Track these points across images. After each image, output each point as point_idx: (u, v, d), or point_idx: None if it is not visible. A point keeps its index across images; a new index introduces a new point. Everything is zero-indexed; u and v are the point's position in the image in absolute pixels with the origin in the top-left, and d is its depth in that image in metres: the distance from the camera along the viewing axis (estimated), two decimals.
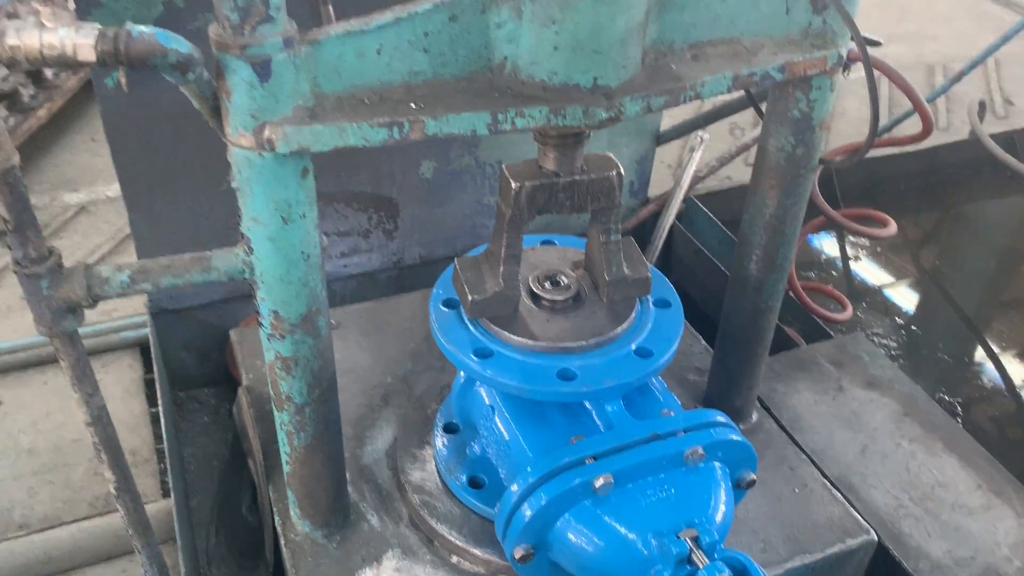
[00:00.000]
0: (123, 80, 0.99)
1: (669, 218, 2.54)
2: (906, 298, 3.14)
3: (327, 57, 1.08)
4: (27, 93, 3.60)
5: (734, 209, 2.80)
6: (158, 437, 2.40)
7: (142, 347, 2.70)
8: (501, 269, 1.38)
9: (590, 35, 1.11)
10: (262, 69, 1.02)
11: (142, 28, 0.96)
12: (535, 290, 1.45)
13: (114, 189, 3.54)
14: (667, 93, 1.19)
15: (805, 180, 1.50)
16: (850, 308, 2.36)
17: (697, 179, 2.62)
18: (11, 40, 0.93)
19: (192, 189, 2.06)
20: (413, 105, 1.12)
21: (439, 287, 1.52)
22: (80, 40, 0.95)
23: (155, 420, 2.48)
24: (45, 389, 2.60)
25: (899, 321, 3.01)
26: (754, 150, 1.60)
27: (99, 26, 0.96)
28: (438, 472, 1.64)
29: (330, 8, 1.73)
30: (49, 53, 0.95)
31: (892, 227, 2.09)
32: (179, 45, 0.98)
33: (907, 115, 2.85)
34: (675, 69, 1.23)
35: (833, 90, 1.41)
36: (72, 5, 0.95)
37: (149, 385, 2.61)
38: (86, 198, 3.55)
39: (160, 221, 2.07)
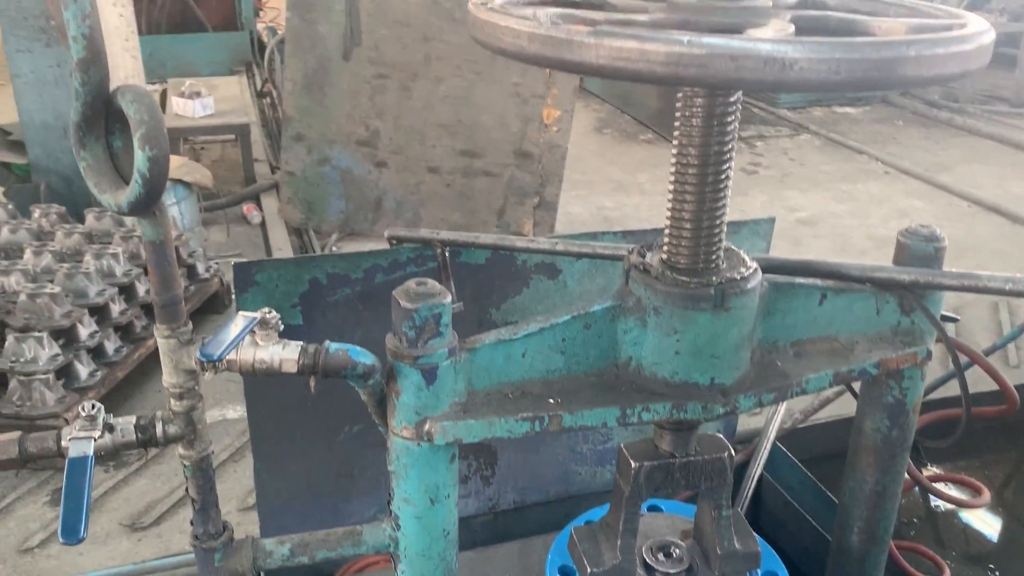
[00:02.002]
0: (312, 385, 1.17)
1: (757, 469, 2.60)
2: (1002, 551, 3.06)
3: (481, 360, 1.25)
4: (140, 324, 3.92)
5: (824, 444, 2.84)
6: None
7: None
8: (618, 542, 1.46)
9: (707, 343, 1.27)
10: (429, 375, 1.19)
11: (338, 345, 1.15)
12: (649, 561, 1.53)
13: (211, 415, 3.75)
14: (776, 390, 1.33)
15: (901, 459, 1.59)
16: (947, 572, 2.33)
17: (783, 430, 2.70)
18: (230, 355, 1.13)
19: (312, 442, 2.22)
20: (551, 400, 1.28)
21: (555, 552, 1.60)
22: (286, 355, 1.14)
23: None
24: None
25: None
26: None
27: (301, 343, 1.15)
28: None
29: (451, 283, 1.95)
30: (259, 366, 1.13)
31: (985, 496, 2.12)
32: (366, 359, 1.16)
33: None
34: (781, 366, 1.38)
35: (924, 379, 1.54)
36: (281, 327, 1.14)
37: None
38: None
39: (282, 469, 2.21)
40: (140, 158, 0.98)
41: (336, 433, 2.18)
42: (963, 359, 1.55)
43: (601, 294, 2.11)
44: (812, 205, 6.28)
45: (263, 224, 5.62)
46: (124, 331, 3.79)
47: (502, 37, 1.03)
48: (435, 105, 5.24)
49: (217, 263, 4.70)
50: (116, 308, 3.72)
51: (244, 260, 1.77)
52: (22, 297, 3.39)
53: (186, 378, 1.15)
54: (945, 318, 1.64)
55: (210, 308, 4.45)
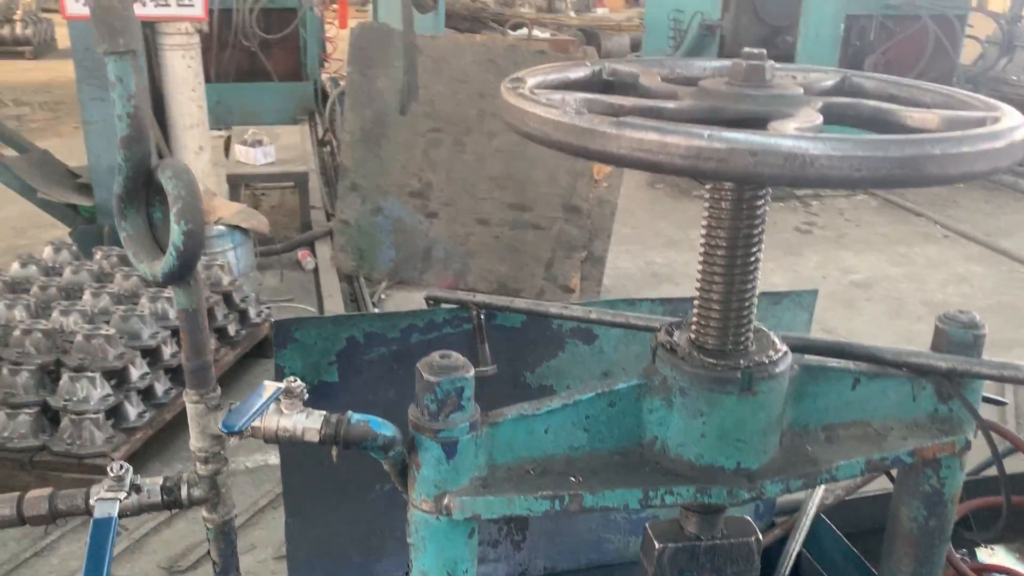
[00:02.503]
0: (334, 455, 1.18)
1: (795, 546, 2.53)
2: None
3: (502, 435, 1.25)
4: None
5: (872, 519, 2.74)
6: None
7: None
8: None
9: (734, 427, 1.25)
10: (449, 449, 1.20)
11: (359, 416, 1.17)
12: None
13: (253, 460, 3.78)
14: (804, 476, 1.30)
15: (939, 550, 1.53)
16: None
17: (825, 505, 2.62)
18: (255, 423, 1.15)
19: (344, 499, 2.23)
20: (573, 478, 1.27)
21: None
22: (308, 425, 1.15)
23: None
24: None
25: None
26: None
27: (324, 413, 1.17)
28: None
29: (486, 346, 1.96)
30: (283, 434, 1.15)
31: None
32: (386, 431, 1.18)
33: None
34: (810, 451, 1.35)
35: (963, 468, 1.49)
36: (306, 396, 1.16)
37: None
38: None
39: (312, 525, 2.23)
40: (176, 232, 1.01)
41: (367, 491, 2.19)
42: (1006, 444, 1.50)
43: (637, 361, 2.10)
44: (867, 267, 6.16)
45: (316, 270, 5.72)
46: (174, 373, 3.88)
47: (528, 122, 1.05)
48: (487, 159, 5.31)
49: (269, 308, 4.80)
50: (167, 351, 3.81)
51: (284, 319, 1.81)
52: (78, 337, 3.50)
53: (212, 443, 1.18)
54: (990, 400, 1.60)
55: (260, 352, 4.53)
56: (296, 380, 1.14)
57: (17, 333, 3.52)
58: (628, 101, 1.11)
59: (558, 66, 1.27)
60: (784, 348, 1.29)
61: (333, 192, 7.22)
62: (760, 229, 1.22)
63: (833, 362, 1.38)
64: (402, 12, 5.32)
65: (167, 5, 4.64)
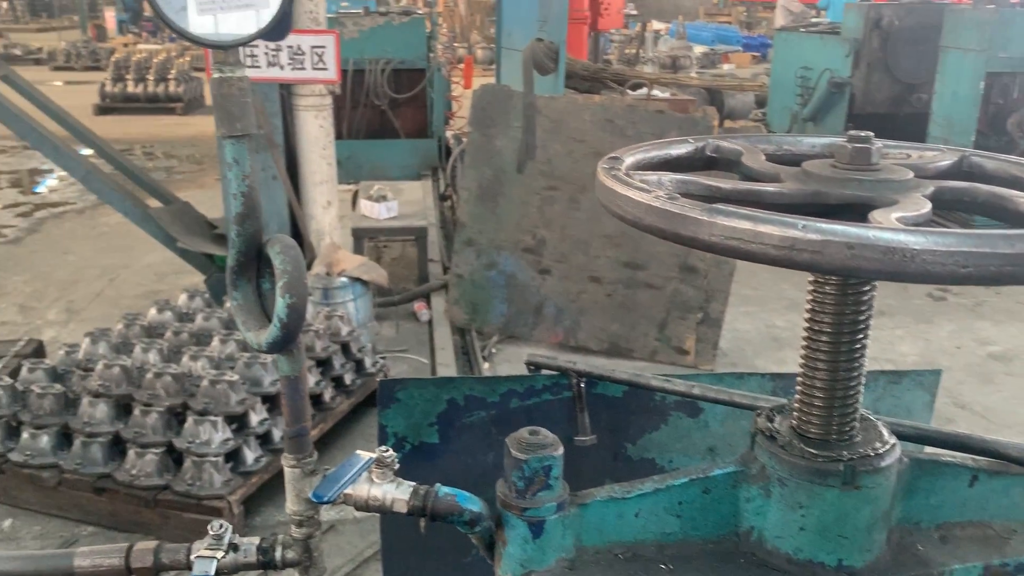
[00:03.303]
0: (423, 526, 1.19)
1: None
2: None
3: (591, 517, 1.23)
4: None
5: None
6: None
7: None
8: None
9: (835, 522, 1.18)
10: (536, 528, 1.19)
11: (447, 490, 1.18)
12: None
13: None
14: None
15: None
16: None
17: None
18: (347, 490, 1.17)
19: (443, 562, 2.24)
20: (664, 566, 1.23)
21: None
22: (397, 495, 1.17)
23: None
24: None
25: None
26: None
27: (414, 485, 1.18)
28: None
29: (586, 415, 1.94)
30: (372, 503, 1.18)
31: None
32: (473, 506, 1.18)
33: None
34: (922, 551, 1.26)
35: None
36: (396, 466, 1.18)
37: None
38: (336, 516, 3.89)
39: None
40: (280, 305, 1.06)
41: (464, 554, 2.19)
42: None
43: (745, 438, 2.03)
44: (1007, 339, 5.77)
45: (431, 322, 5.84)
46: None
47: (620, 204, 1.05)
48: (602, 217, 5.32)
49: (384, 357, 4.93)
50: None
51: (388, 379, 1.85)
52: (204, 382, 3.69)
53: (307, 507, 1.21)
54: None
55: (373, 401, 4.64)
56: (388, 450, 1.16)
57: (150, 376, 3.75)
58: (726, 183, 1.09)
59: (659, 143, 1.27)
60: (892, 440, 1.22)
61: (451, 246, 7.40)
62: (867, 315, 1.17)
63: (948, 455, 1.29)
64: (523, 74, 5.46)
65: (302, 68, 4.92)
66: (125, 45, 21.64)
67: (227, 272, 1.18)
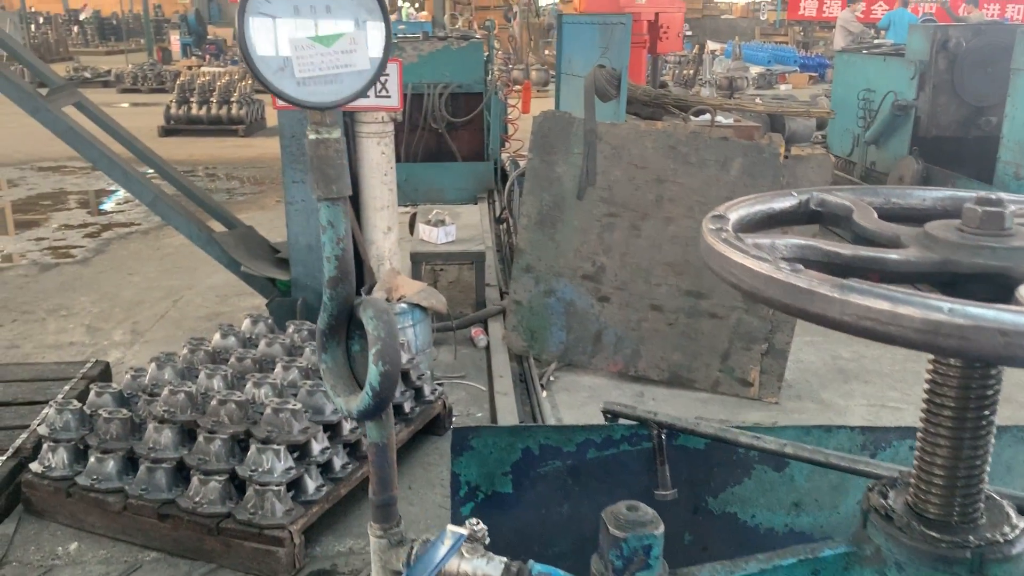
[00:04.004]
0: None
1: None
2: None
3: None
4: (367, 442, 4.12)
5: None
6: None
7: None
8: None
9: None
10: None
11: (541, 568, 1.12)
12: None
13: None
14: None
15: None
16: None
17: None
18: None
19: None
20: None
21: None
22: (489, 571, 1.12)
23: None
24: None
25: None
26: None
27: (505, 561, 1.13)
28: None
29: (666, 468, 1.87)
30: None
31: None
32: None
33: None
34: None
35: None
36: (487, 540, 1.13)
37: None
38: None
39: None
40: (373, 372, 1.02)
41: None
42: None
43: (832, 494, 1.94)
44: None
45: (488, 347, 5.80)
46: (352, 448, 4.01)
47: (738, 274, 0.99)
48: (663, 244, 5.24)
49: (442, 384, 4.90)
50: (347, 426, 3.95)
51: (462, 426, 1.81)
52: (267, 411, 3.70)
53: None
54: None
55: (432, 429, 4.62)
56: (479, 523, 1.11)
57: (214, 403, 3.76)
58: (845, 249, 1.02)
59: (762, 198, 1.20)
60: (1021, 524, 1.13)
61: (507, 270, 7.37)
62: (996, 391, 1.09)
63: None
64: (584, 100, 5.42)
65: (366, 96, 4.94)
66: (189, 68, 22.23)
67: (317, 334, 1.15)
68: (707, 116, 5.89)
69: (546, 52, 25.18)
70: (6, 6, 33.28)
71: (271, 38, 1.09)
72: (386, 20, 1.17)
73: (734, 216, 1.11)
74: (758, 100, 10.77)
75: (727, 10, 40.93)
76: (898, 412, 4.98)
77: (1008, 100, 8.35)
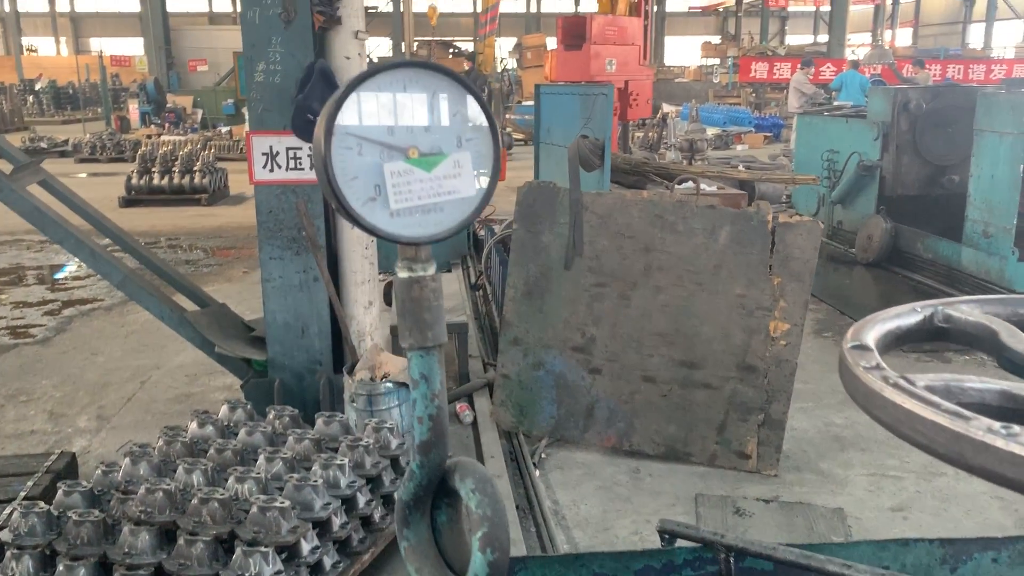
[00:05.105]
0: None
1: None
2: None
3: None
4: (357, 537, 3.87)
5: None
6: None
7: None
8: None
9: None
10: None
11: None
12: None
13: None
14: None
15: None
16: None
17: None
18: None
19: None
20: None
21: None
22: None
23: None
24: None
25: None
26: None
27: None
28: None
29: None
30: None
31: None
32: None
33: None
34: None
35: None
36: None
37: None
38: None
39: None
40: (479, 562, 0.86)
41: None
42: None
43: None
44: None
45: (475, 424, 5.60)
46: (342, 545, 3.76)
47: (929, 434, 0.83)
48: (653, 314, 5.13)
49: None
50: (337, 522, 3.71)
51: (511, 557, 1.62)
52: (254, 509, 3.45)
53: None
54: None
55: None
56: None
57: (195, 501, 3.51)
58: None
59: (885, 316, 1.07)
60: None
61: (487, 339, 7.20)
62: None
63: None
64: (569, 170, 5.35)
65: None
66: (149, 136, 22.01)
67: (397, 505, 0.98)
68: (690, 184, 5.87)
69: (507, 116, 25.45)
70: None
71: (362, 163, 0.93)
72: (495, 136, 1.01)
73: (869, 336, 0.98)
74: (741, 167, 10.90)
75: (680, 73, 42.01)
76: (899, 482, 4.87)
77: (972, 160, 8.53)
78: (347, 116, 0.92)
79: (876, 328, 1.02)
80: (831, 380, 6.39)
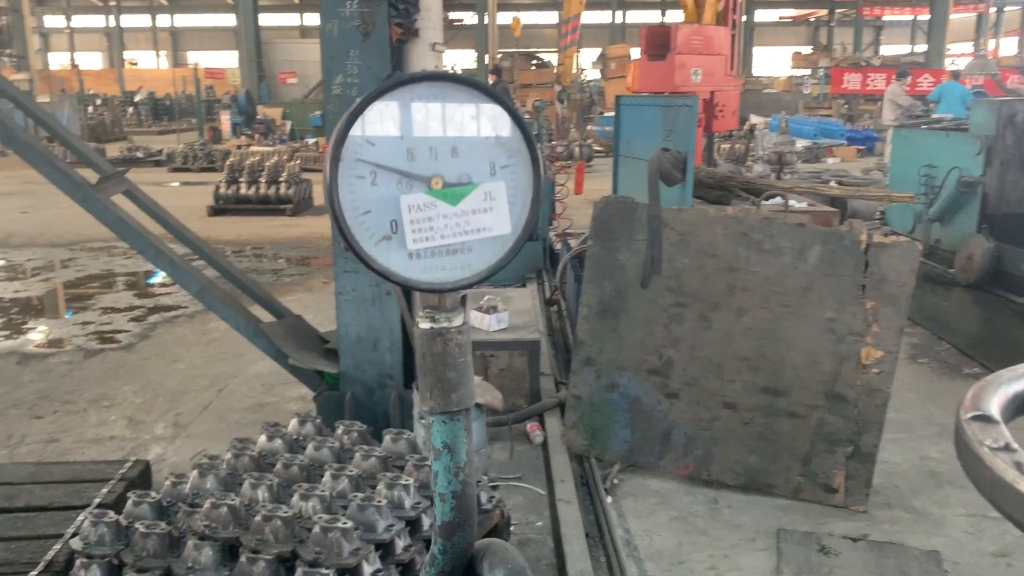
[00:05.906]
0: None
1: None
2: None
3: None
4: (420, 560, 3.77)
5: None
6: None
7: None
8: None
9: None
10: None
11: None
12: None
13: None
14: None
15: None
16: None
17: None
18: None
19: None
20: None
21: None
22: None
23: None
24: None
25: None
26: None
27: None
28: None
29: None
30: None
31: None
32: None
33: None
34: None
35: None
36: None
37: None
38: None
39: None
40: None
41: None
42: None
43: None
44: None
45: (544, 445, 5.46)
46: (405, 568, 3.66)
47: None
48: (736, 337, 4.90)
49: (497, 487, 4.54)
50: (400, 544, 3.61)
51: None
52: (316, 529, 3.38)
53: None
54: None
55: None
56: None
57: (258, 519, 3.46)
58: None
59: (1018, 372, 0.89)
60: None
61: (560, 356, 7.05)
62: None
63: None
64: (648, 185, 5.17)
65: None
66: (239, 147, 22.67)
67: None
68: (778, 199, 5.60)
69: (588, 127, 25.30)
70: (67, 89, 34.59)
71: (376, 195, 0.80)
72: (535, 162, 0.86)
73: (996, 409, 0.80)
74: (832, 182, 10.48)
75: (769, 84, 41.08)
76: (1003, 524, 4.48)
77: None
78: (358, 139, 0.78)
79: (1001, 392, 0.84)
80: (926, 410, 6.02)
